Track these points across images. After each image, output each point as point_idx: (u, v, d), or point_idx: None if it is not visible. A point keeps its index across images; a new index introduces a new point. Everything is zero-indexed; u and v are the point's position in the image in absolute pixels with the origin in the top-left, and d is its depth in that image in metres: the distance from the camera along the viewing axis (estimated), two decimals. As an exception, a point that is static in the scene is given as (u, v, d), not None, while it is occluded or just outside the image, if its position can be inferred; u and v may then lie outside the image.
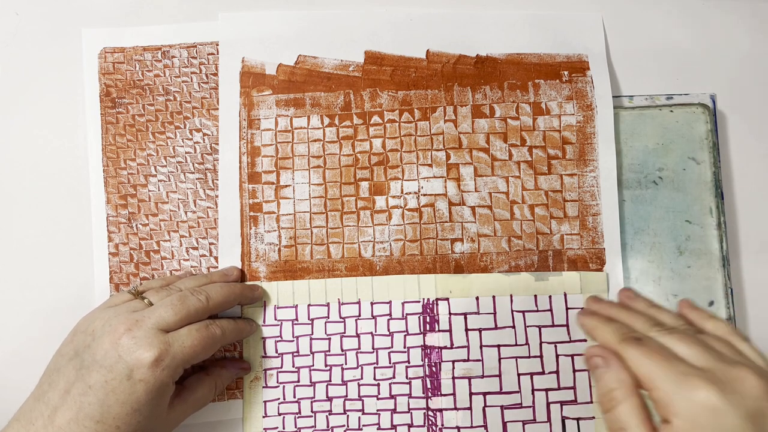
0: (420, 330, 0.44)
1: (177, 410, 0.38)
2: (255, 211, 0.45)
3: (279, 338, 0.44)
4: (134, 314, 0.37)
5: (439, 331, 0.44)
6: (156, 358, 0.35)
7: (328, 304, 0.44)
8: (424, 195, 0.45)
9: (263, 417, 0.43)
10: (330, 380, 0.44)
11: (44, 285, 0.45)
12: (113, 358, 0.35)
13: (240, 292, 0.42)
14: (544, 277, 0.44)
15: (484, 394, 0.43)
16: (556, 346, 0.44)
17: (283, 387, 0.44)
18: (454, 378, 0.43)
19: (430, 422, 0.43)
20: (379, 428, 0.43)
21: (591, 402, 0.43)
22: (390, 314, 0.44)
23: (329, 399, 0.44)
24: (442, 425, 0.43)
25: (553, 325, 0.44)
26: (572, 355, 0.44)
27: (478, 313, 0.44)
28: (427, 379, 0.44)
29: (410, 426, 0.43)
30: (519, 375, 0.43)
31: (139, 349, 0.35)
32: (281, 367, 0.44)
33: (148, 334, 0.36)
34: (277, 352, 0.44)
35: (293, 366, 0.44)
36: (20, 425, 0.34)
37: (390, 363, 0.44)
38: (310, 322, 0.44)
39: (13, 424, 0.34)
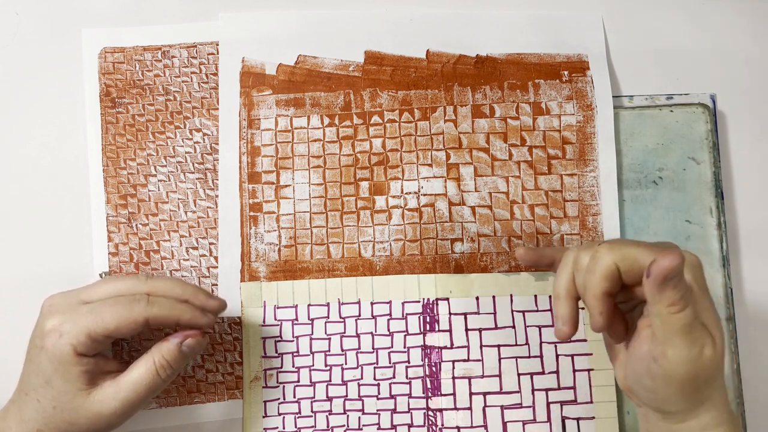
0: (420, 330, 0.44)
1: (109, 391, 0.36)
2: (255, 211, 0.45)
3: (279, 338, 0.44)
4: (61, 297, 0.37)
5: (439, 331, 0.44)
6: (54, 325, 0.35)
7: (328, 304, 0.44)
8: (424, 195, 0.45)
9: (263, 417, 0.43)
10: (330, 380, 0.44)
11: (44, 285, 0.45)
12: (34, 329, 0.36)
13: (192, 292, 0.38)
14: (544, 277, 0.44)
15: (484, 394, 0.43)
16: (556, 346, 0.44)
17: (283, 387, 0.44)
18: (454, 378, 0.43)
19: (430, 422, 0.43)
20: (379, 428, 0.43)
21: (591, 402, 0.43)
22: (390, 314, 0.44)
23: (329, 399, 0.44)
24: (442, 425, 0.43)
25: (553, 325, 0.44)
26: (572, 355, 0.44)
27: (478, 313, 0.44)
28: (427, 379, 0.44)
29: (410, 426, 0.43)
30: (519, 375, 0.43)
31: (46, 316, 0.35)
32: (281, 367, 0.44)
33: (61, 302, 0.36)
34: (277, 352, 0.44)
35: (293, 366, 0.44)
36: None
37: (390, 363, 0.44)
38: (310, 322, 0.44)
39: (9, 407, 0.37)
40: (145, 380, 0.36)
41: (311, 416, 0.43)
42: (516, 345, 0.44)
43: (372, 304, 0.44)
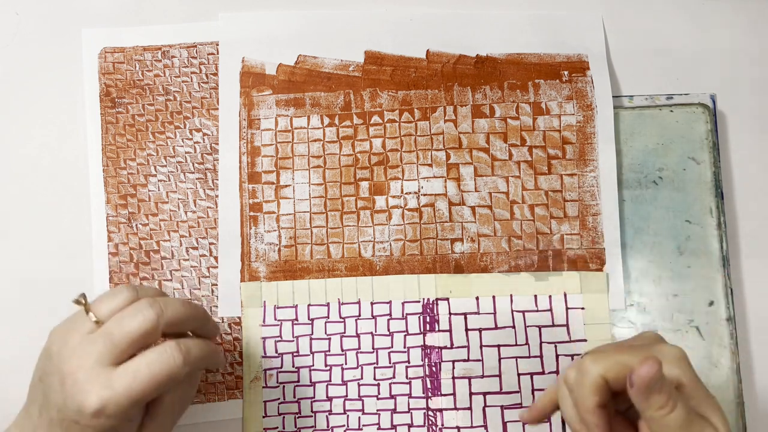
0: (420, 330, 0.44)
1: (152, 428, 0.35)
2: (255, 211, 0.45)
3: (279, 338, 0.44)
4: (80, 345, 0.32)
5: (439, 331, 0.44)
6: (97, 409, 0.31)
7: (328, 304, 0.44)
8: (424, 195, 0.45)
9: (263, 417, 0.43)
10: (330, 380, 0.44)
11: (44, 285, 0.45)
12: (61, 401, 0.32)
13: (203, 317, 0.36)
14: (544, 277, 0.44)
15: (484, 394, 0.43)
16: (556, 346, 0.44)
17: (283, 387, 0.44)
18: (454, 378, 0.43)
19: (430, 422, 0.43)
20: (379, 428, 0.43)
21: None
22: (390, 314, 0.44)
23: (329, 399, 0.44)
24: (442, 425, 0.43)
25: (553, 325, 0.44)
26: (572, 356, 0.44)
27: (478, 313, 0.44)
28: (427, 379, 0.44)
29: (410, 426, 0.43)
30: (519, 375, 0.43)
31: (79, 395, 0.31)
32: (281, 367, 0.44)
33: (89, 377, 0.31)
34: (277, 352, 0.44)
35: (293, 366, 0.44)
36: (17, 430, 0.34)
37: (390, 363, 0.44)
38: (310, 322, 0.44)
39: (12, 428, 0.35)
40: (184, 403, 0.36)
41: (311, 416, 0.43)
42: (516, 345, 0.44)
43: (372, 304, 0.44)
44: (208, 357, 0.35)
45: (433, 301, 0.44)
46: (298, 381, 0.44)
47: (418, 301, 0.44)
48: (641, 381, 0.30)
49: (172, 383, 0.33)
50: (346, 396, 0.44)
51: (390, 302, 0.44)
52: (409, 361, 0.44)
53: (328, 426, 0.43)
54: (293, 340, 0.44)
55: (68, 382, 0.32)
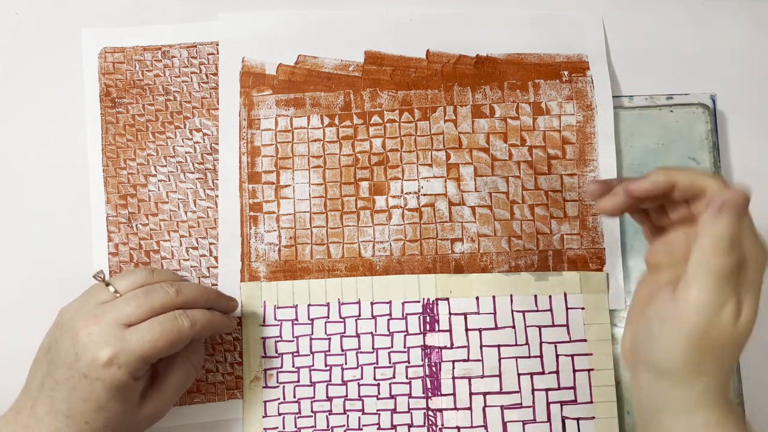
0: (420, 330, 0.44)
1: (155, 400, 0.38)
2: (255, 211, 0.45)
3: (279, 338, 0.44)
4: (96, 308, 0.36)
5: (439, 331, 0.44)
6: (109, 358, 0.34)
7: (328, 304, 0.44)
8: (424, 195, 0.45)
9: (263, 417, 0.43)
10: (330, 380, 0.44)
11: (44, 285, 0.45)
12: (72, 356, 0.34)
13: (215, 298, 0.40)
14: (544, 277, 0.44)
15: (484, 394, 0.43)
16: (556, 346, 0.44)
17: (283, 387, 0.44)
18: (454, 378, 0.43)
19: (430, 422, 0.43)
20: (379, 428, 0.43)
21: (591, 402, 0.43)
22: (390, 314, 0.44)
23: (329, 399, 0.44)
24: (442, 425, 0.43)
25: (553, 325, 0.44)
26: (572, 355, 0.44)
27: (478, 313, 0.44)
28: (427, 379, 0.44)
29: (410, 426, 0.43)
30: (519, 375, 0.43)
31: (93, 346, 0.34)
32: (281, 367, 0.44)
33: (104, 331, 0.35)
34: (277, 352, 0.44)
35: (293, 366, 0.44)
36: (12, 413, 0.36)
37: (390, 363, 0.44)
38: (310, 322, 0.44)
39: (8, 412, 0.37)
40: (187, 380, 0.39)
41: (311, 416, 0.43)
42: (516, 345, 0.44)
43: (372, 304, 0.44)
44: (213, 323, 0.39)
45: (433, 301, 0.44)
46: (298, 381, 0.44)
47: (418, 301, 0.44)
48: (721, 199, 0.30)
49: (179, 344, 0.36)
50: (346, 396, 0.44)
51: (390, 302, 0.44)
52: (409, 361, 0.44)
53: (328, 426, 0.43)
54: (293, 340, 0.44)
55: (82, 336, 0.35)
